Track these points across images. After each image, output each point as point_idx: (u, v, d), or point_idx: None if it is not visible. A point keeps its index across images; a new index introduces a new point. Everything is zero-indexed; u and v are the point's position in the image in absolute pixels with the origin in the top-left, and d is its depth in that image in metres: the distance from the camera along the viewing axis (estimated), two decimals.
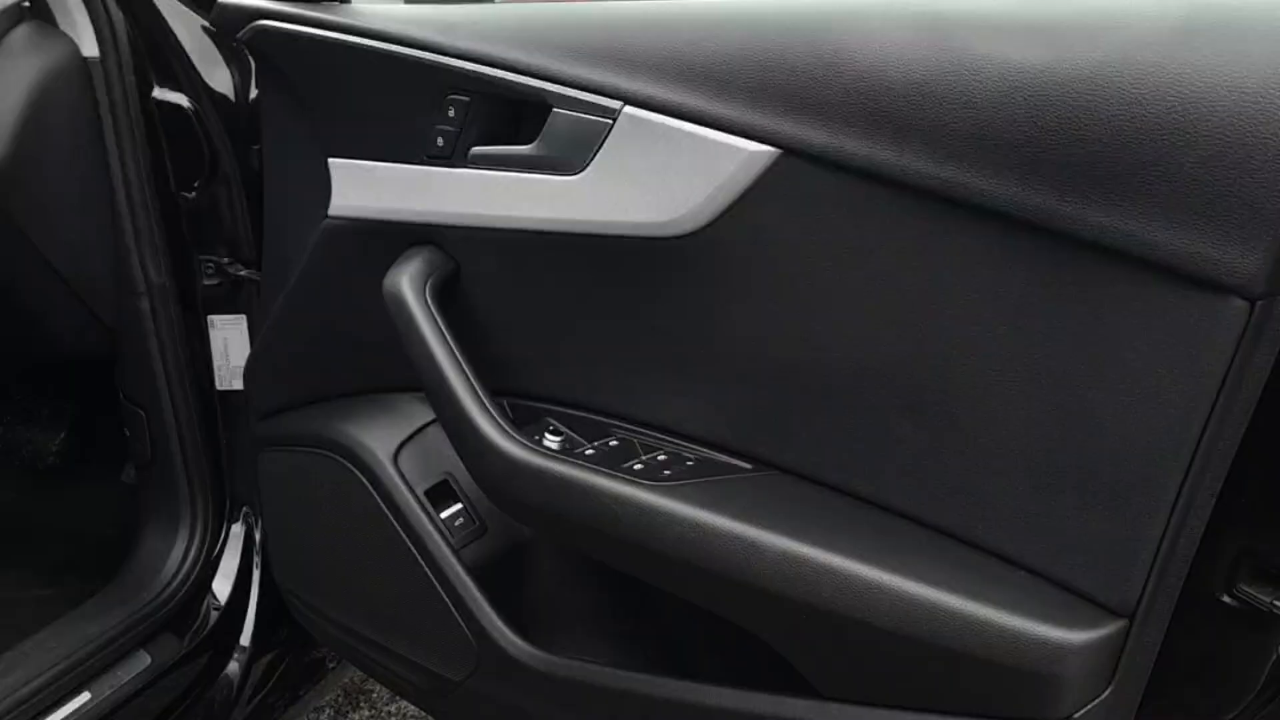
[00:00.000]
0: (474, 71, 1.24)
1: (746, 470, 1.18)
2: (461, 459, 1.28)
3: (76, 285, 1.65)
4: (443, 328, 1.28)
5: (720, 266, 1.13)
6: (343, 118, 1.36)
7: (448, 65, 1.26)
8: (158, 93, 1.63)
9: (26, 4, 1.57)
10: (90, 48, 1.58)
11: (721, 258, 1.12)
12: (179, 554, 1.78)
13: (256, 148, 1.67)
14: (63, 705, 1.57)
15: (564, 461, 1.19)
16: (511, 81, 1.22)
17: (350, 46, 1.31)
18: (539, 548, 1.42)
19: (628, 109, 1.14)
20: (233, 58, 1.66)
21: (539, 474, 1.19)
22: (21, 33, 1.54)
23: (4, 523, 2.14)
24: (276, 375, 1.56)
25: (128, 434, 1.80)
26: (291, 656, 1.87)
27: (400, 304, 1.29)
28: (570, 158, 1.19)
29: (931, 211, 0.99)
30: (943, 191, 0.97)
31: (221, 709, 1.76)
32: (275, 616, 1.83)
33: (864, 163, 1.00)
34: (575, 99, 1.17)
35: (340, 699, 2.28)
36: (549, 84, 1.19)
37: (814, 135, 1.02)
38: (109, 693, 1.62)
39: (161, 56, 1.61)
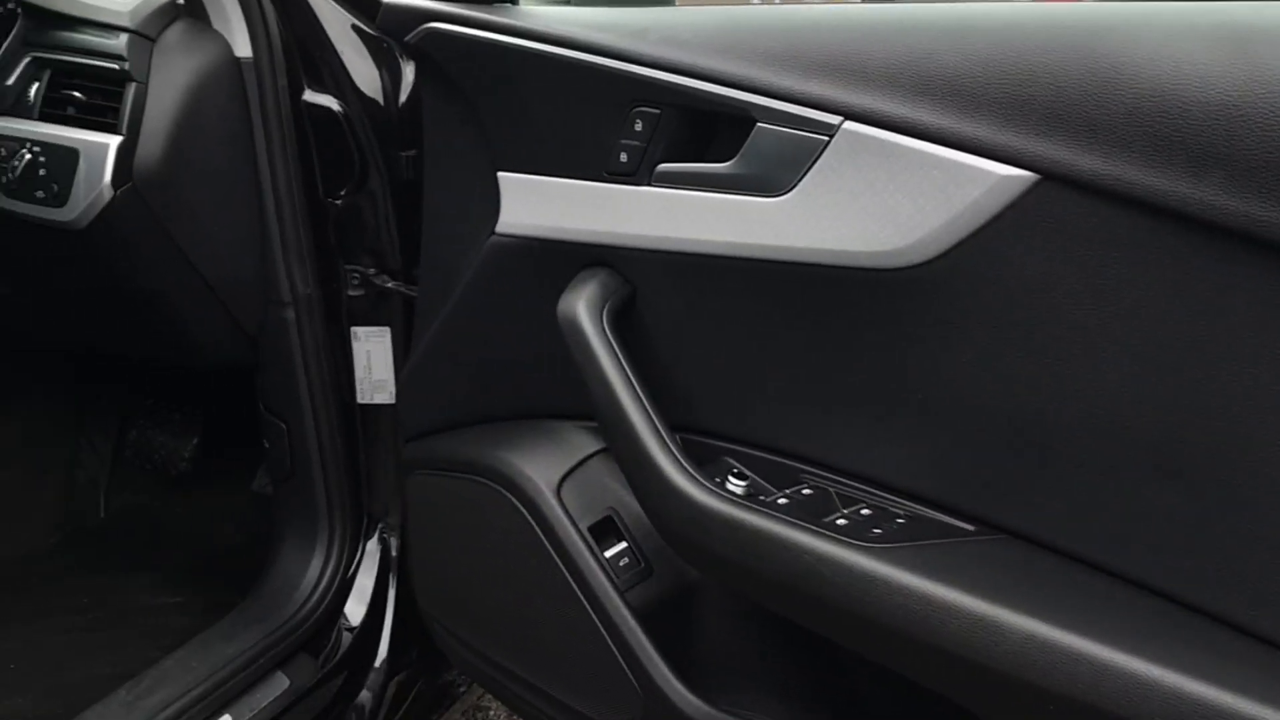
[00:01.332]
0: (666, 81, 1.10)
1: (968, 533, 1.02)
2: (638, 499, 1.14)
3: (222, 293, 1.54)
4: (621, 357, 1.14)
5: (950, 302, 0.97)
6: (515, 129, 1.22)
7: (636, 74, 1.11)
8: (308, 95, 1.51)
9: (181, 1, 1.46)
10: (243, 48, 1.47)
11: (953, 293, 0.96)
12: (315, 572, 1.66)
13: (406, 154, 1.55)
14: None
15: (756, 511, 1.05)
16: (709, 93, 1.07)
17: (527, 52, 1.18)
18: (708, 593, 1.27)
19: (848, 125, 0.99)
20: (383, 60, 1.54)
21: (728, 523, 1.05)
22: (176, 31, 1.43)
23: (136, 527, 2.06)
24: (430, 396, 1.43)
25: (267, 446, 1.69)
26: (423, 680, 1.75)
27: (576, 329, 1.15)
28: (774, 177, 1.04)
29: (1224, 251, 0.82)
30: (1244, 230, 0.80)
31: None
32: (406, 638, 1.71)
33: (1145, 193, 0.84)
34: (785, 113, 1.02)
35: (455, 717, 2.16)
36: (754, 96, 1.04)
37: (1082, 160, 0.86)
38: (249, 716, 1.51)
39: (313, 57, 1.50)
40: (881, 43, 0.98)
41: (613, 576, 1.24)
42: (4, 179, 1.43)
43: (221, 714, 1.50)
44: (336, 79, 1.50)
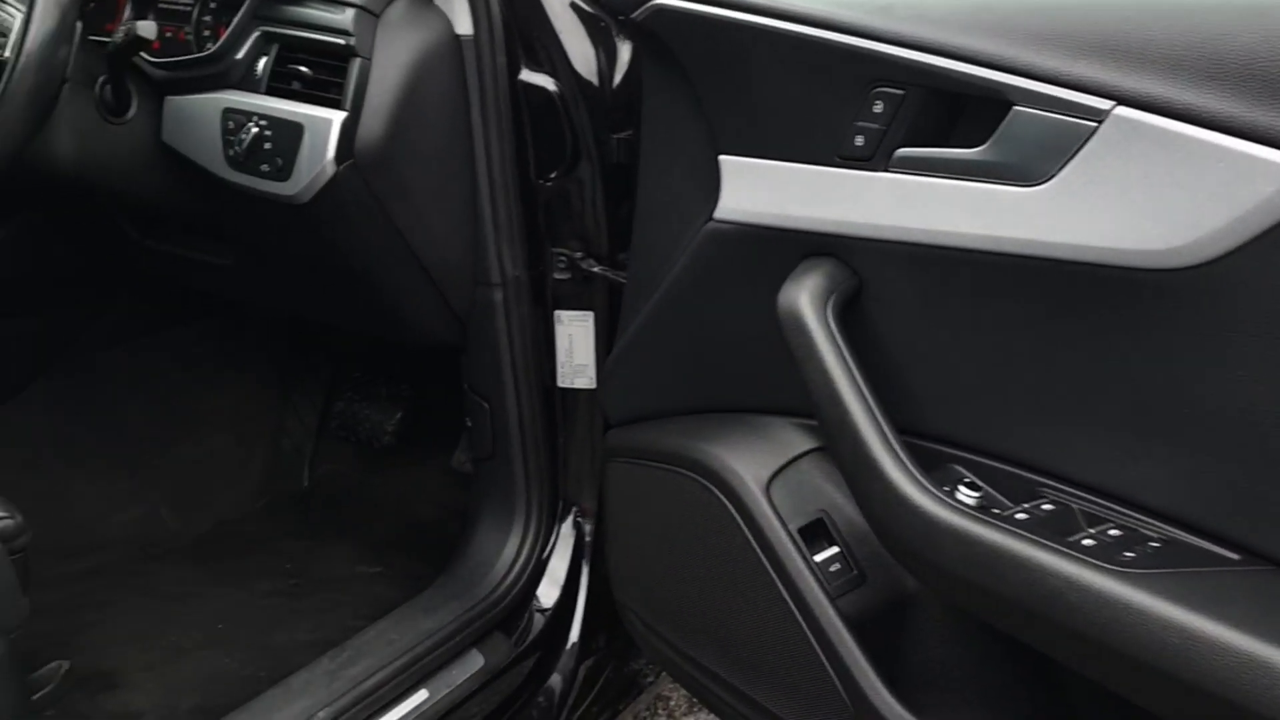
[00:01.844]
0: (913, 61, 1.01)
1: (1232, 562, 0.91)
2: (860, 505, 1.07)
3: (434, 273, 1.53)
4: (846, 353, 1.07)
5: (1229, 309, 0.86)
6: (741, 110, 1.16)
7: (879, 52, 1.04)
8: (524, 74, 1.48)
9: None
10: (464, 25, 1.45)
11: (1233, 298, 0.86)
12: (511, 552, 1.65)
13: (618, 137, 1.51)
14: (403, 701, 1.48)
15: (993, 526, 0.96)
16: (961, 73, 0.99)
17: (760, 29, 1.11)
18: (923, 603, 1.19)
19: (1120, 110, 0.89)
20: (600, 39, 1.50)
21: (961, 537, 0.97)
22: (400, 7, 1.42)
23: (337, 496, 2.09)
24: (635, 383, 1.39)
25: (469, 425, 1.68)
26: (612, 667, 1.72)
27: (798, 322, 1.09)
28: (1031, 165, 0.95)
29: None
30: None
31: (543, 716, 1.63)
32: (596, 624, 1.68)
33: None
34: (1046, 95, 0.93)
35: (640, 708, 2.13)
36: (1011, 77, 0.96)
37: None
38: (445, 692, 1.51)
39: (531, 36, 1.47)
40: (1164, 20, 0.88)
41: (823, 582, 1.17)
42: (231, 152, 1.45)
43: (419, 688, 1.50)
44: (553, 59, 1.47)
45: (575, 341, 1.60)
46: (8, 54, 1.30)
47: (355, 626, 1.75)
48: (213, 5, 1.50)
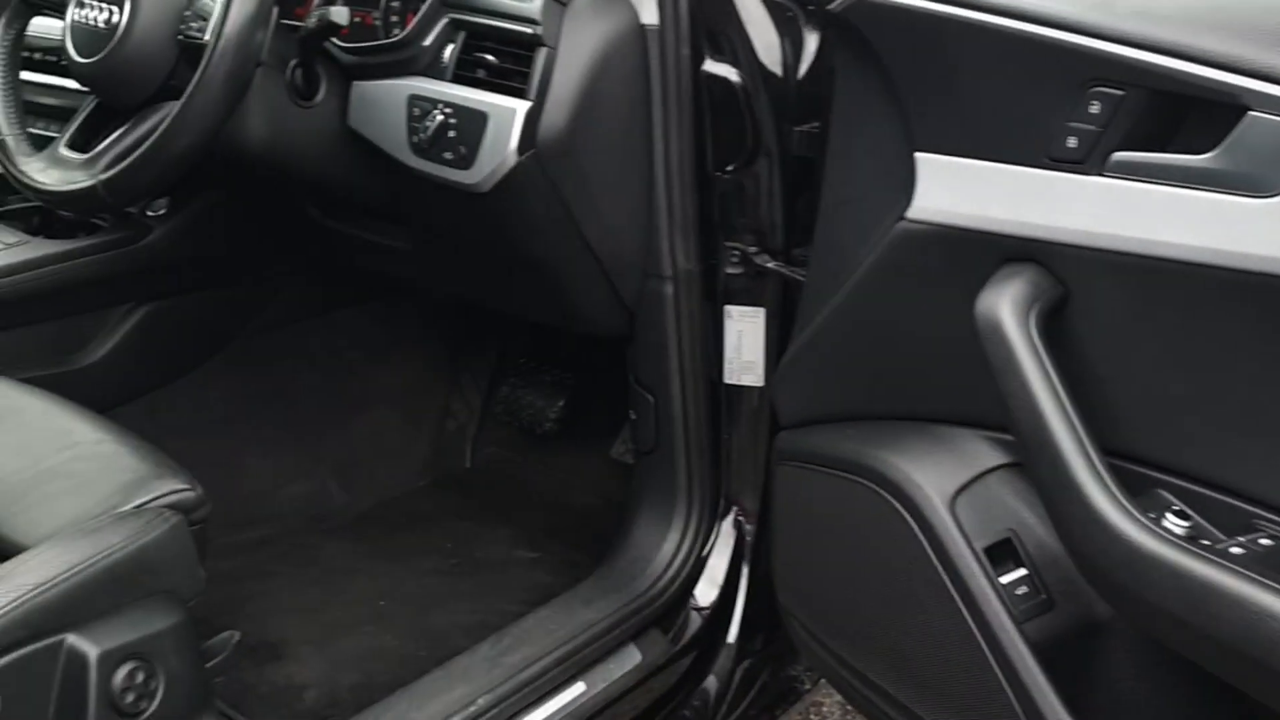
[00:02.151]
0: (1136, 60, 0.95)
1: None
2: (1058, 528, 1.02)
3: (606, 264, 1.52)
4: (1049, 366, 1.01)
5: None
6: (942, 106, 1.10)
7: (1099, 50, 0.97)
8: (708, 65, 1.45)
9: None
10: (650, 14, 1.42)
11: None
12: (670, 548, 1.63)
13: (800, 129, 1.47)
14: (560, 692, 1.48)
15: (1205, 559, 0.90)
16: (1190, 75, 0.92)
17: (968, 23, 1.06)
18: (1115, 633, 1.13)
19: None
20: (786, 30, 1.46)
21: (1170, 570, 0.91)
22: None
23: (498, 480, 2.11)
24: (810, 385, 1.35)
25: (633, 417, 1.66)
26: (768, 671, 1.68)
27: (998, 331, 1.03)
28: (1264, 176, 0.88)
29: None
30: None
31: (697, 717, 1.60)
32: (753, 626, 1.65)
33: None
34: None
35: (793, 715, 2.08)
36: (1248, 80, 0.88)
37: None
38: (602, 686, 1.51)
39: (716, 26, 1.44)
40: None
41: (1009, 605, 1.11)
42: (415, 139, 1.45)
43: (576, 680, 1.49)
44: (738, 49, 1.43)
45: (744, 338, 1.57)
46: (207, 37, 1.32)
47: (513, 612, 1.76)
48: None
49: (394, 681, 1.59)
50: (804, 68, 1.47)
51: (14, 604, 1.11)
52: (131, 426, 1.44)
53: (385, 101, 1.48)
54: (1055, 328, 1.05)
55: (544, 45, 1.37)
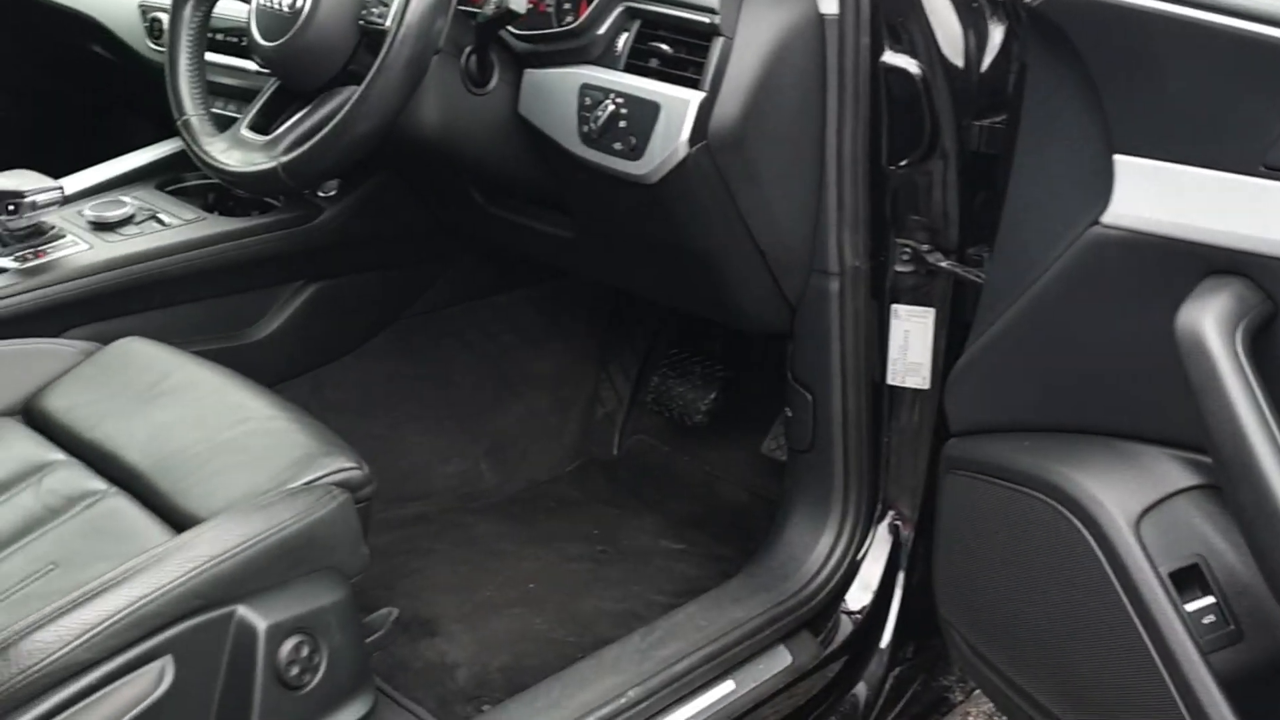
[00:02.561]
0: None
1: None
2: (1258, 557, 0.97)
3: (771, 259, 1.49)
4: (1255, 387, 0.95)
5: None
6: (1147, 108, 1.04)
7: None
8: (887, 56, 1.41)
9: None
10: (829, 3, 1.39)
11: None
12: (824, 549, 1.60)
13: (980, 124, 1.42)
14: (709, 689, 1.47)
15: None
16: None
17: (1181, 22, 0.99)
18: None
19: None
20: (970, 20, 1.40)
21: None
22: None
23: (645, 468, 2.10)
24: (985, 392, 1.29)
25: (789, 415, 1.63)
26: (920, 681, 1.64)
27: (1200, 347, 0.97)
28: None
29: None
30: None
31: None
32: (905, 634, 1.60)
33: None
34: None
35: None
36: None
37: None
38: (751, 686, 1.49)
39: (897, 16, 1.39)
40: None
41: (1194, 634, 1.05)
42: (585, 128, 1.44)
43: (725, 678, 1.48)
44: (918, 40, 1.38)
45: (911, 338, 1.52)
46: (388, 24, 1.34)
47: (659, 603, 1.75)
48: None
49: (542, 665, 1.60)
50: (987, 60, 1.41)
51: (191, 574, 1.15)
52: (297, 401, 1.48)
53: (557, 90, 1.47)
54: (1263, 346, 0.98)
55: (721, 35, 1.34)
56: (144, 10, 2.05)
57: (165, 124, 1.74)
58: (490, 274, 2.08)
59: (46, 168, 1.66)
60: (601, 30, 1.44)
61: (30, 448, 1.36)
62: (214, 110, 1.59)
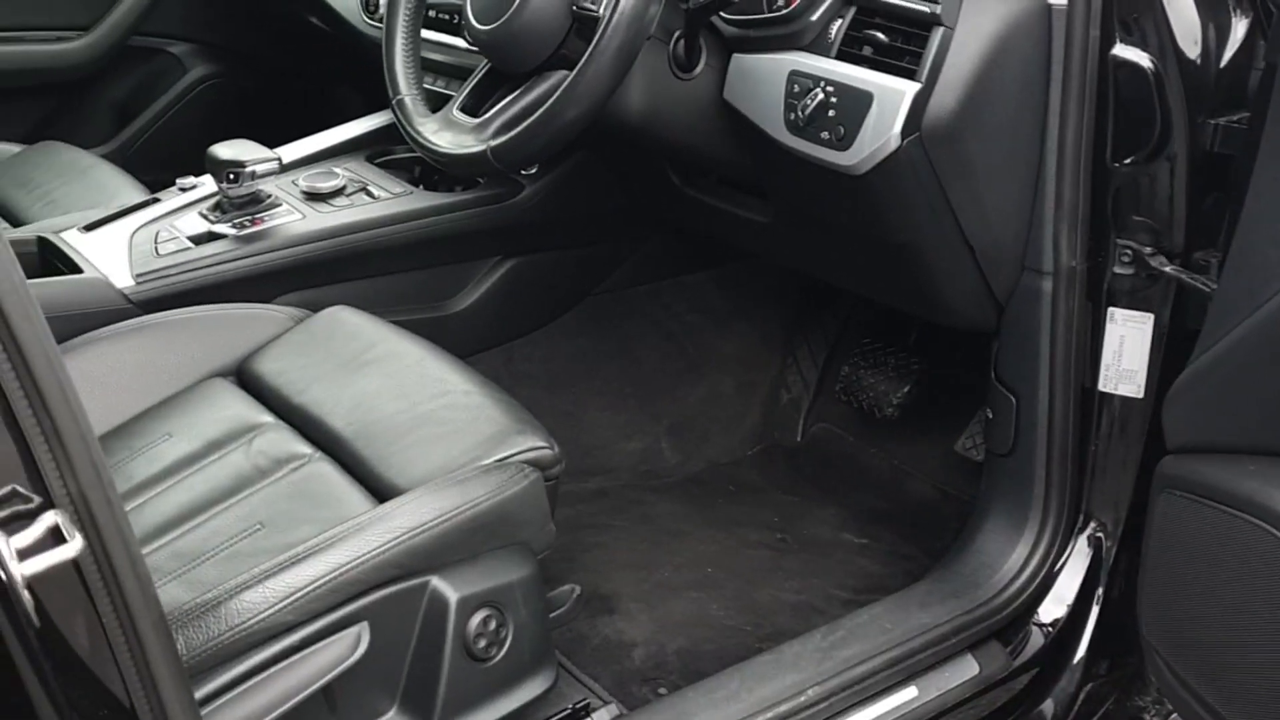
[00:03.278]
0: None
1: None
2: None
3: (980, 255, 1.43)
4: None
5: None
6: None
7: None
8: (1118, 49, 1.32)
9: None
10: None
11: None
12: (1019, 558, 1.53)
13: (1215, 122, 1.32)
14: (891, 694, 1.43)
15: None
16: None
17: None
18: None
19: None
20: (1210, 12, 1.31)
21: None
22: None
23: (829, 458, 2.06)
24: (1210, 410, 1.21)
25: (989, 416, 1.57)
26: (1113, 700, 1.56)
27: None
28: None
29: None
30: None
31: None
32: (1099, 650, 1.53)
33: None
34: None
35: None
36: None
37: None
38: (935, 694, 1.44)
39: (1129, 7, 1.30)
40: None
41: None
42: (791, 116, 1.41)
43: (908, 684, 1.44)
44: (1150, 33, 1.30)
45: (1127, 344, 1.44)
46: (602, 10, 1.33)
47: (838, 597, 1.72)
48: None
49: (718, 652, 1.58)
50: (1228, 55, 1.32)
51: (391, 544, 1.18)
52: (489, 373, 1.50)
53: (764, 76, 1.44)
54: None
55: (941, 25, 1.29)
56: None
57: (376, 96, 1.78)
58: (679, 254, 2.06)
59: (261, 136, 1.72)
60: (815, 16, 1.40)
61: (242, 409, 1.42)
62: (425, 86, 1.61)
